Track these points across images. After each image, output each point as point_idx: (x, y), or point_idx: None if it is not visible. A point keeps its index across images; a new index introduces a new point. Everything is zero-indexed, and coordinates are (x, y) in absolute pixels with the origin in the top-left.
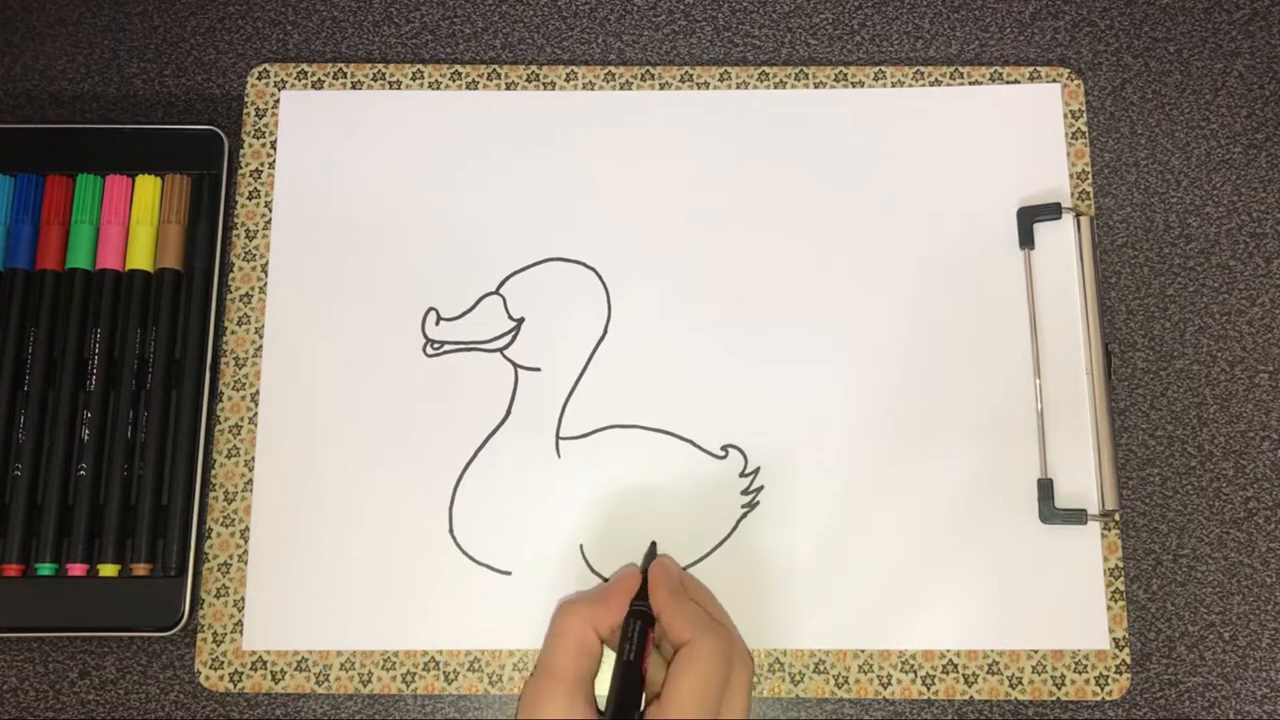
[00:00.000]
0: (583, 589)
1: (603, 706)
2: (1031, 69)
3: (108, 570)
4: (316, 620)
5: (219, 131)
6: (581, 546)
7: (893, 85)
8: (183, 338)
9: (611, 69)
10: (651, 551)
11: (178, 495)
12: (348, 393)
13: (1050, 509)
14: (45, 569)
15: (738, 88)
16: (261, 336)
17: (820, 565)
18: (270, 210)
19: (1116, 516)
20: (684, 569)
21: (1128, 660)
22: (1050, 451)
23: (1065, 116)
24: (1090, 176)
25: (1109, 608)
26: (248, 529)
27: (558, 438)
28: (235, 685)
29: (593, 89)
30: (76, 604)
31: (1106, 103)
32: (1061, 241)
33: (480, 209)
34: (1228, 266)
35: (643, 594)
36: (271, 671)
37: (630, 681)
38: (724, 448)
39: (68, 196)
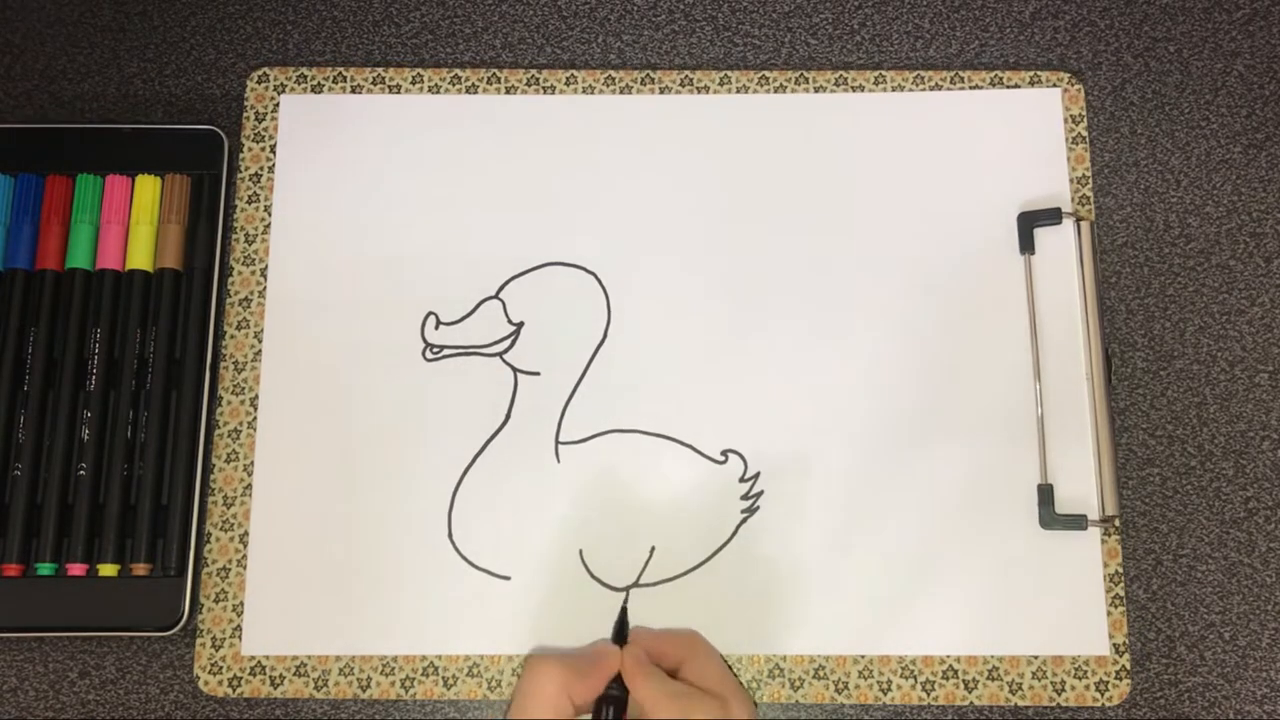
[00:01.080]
0: (581, 594)
1: None
2: (1032, 73)
3: (108, 570)
4: (315, 625)
5: (219, 131)
6: (581, 551)
7: (893, 89)
8: (182, 337)
9: (611, 73)
10: (622, 618)
11: (177, 495)
12: (347, 397)
13: (1050, 514)
14: (45, 569)
15: (738, 92)
16: (261, 341)
17: (820, 570)
18: (269, 214)
19: (1117, 522)
20: (662, 630)
21: (1127, 666)
22: (1050, 457)
23: (1065, 121)
24: (1090, 181)
25: (1109, 613)
26: (247, 534)
27: (557, 442)
28: (234, 690)
29: (592, 93)
30: (76, 604)
31: (1106, 103)
32: (1062, 246)
33: (480, 213)
34: (1228, 266)
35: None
36: (270, 676)
37: None
38: (724, 453)
39: (68, 196)
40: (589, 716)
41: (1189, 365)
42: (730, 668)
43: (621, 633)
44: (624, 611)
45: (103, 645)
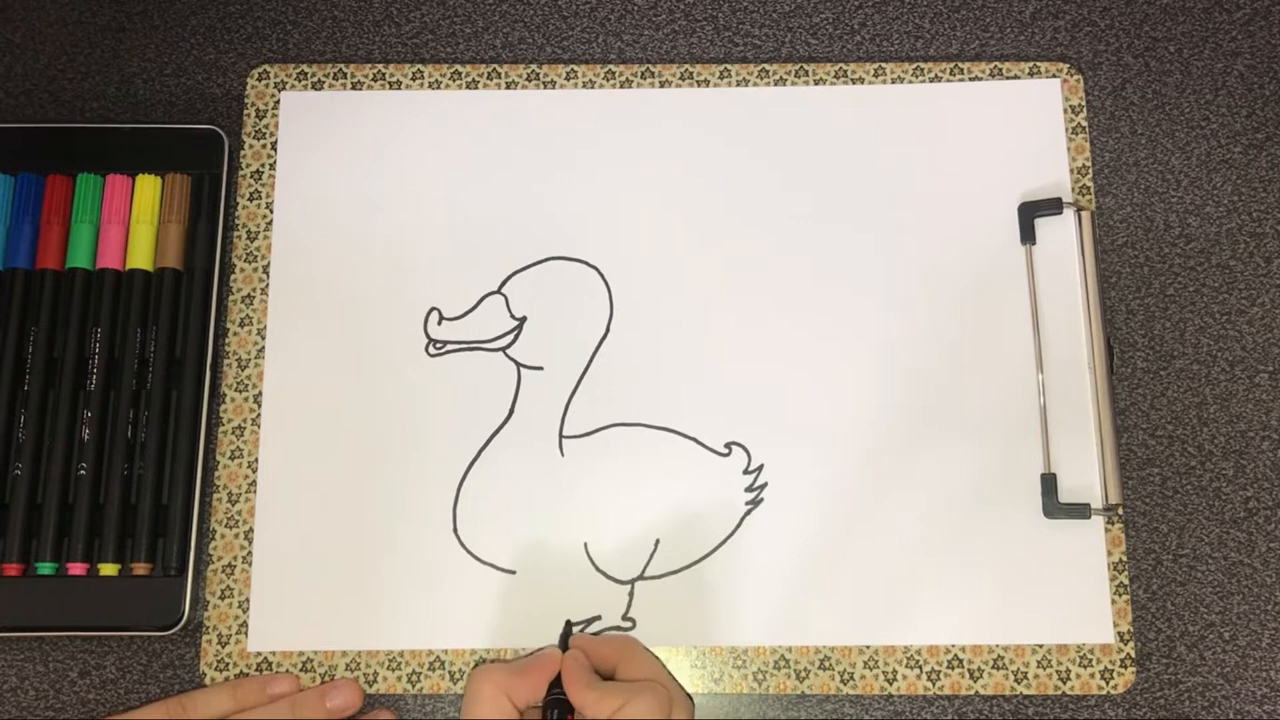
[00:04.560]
0: (586, 588)
1: None
2: (1031, 64)
3: (108, 570)
4: (321, 621)
5: (219, 131)
6: (585, 545)
7: (893, 82)
8: (183, 337)
9: (611, 67)
10: (566, 631)
11: (178, 495)
12: (350, 393)
13: (1054, 503)
14: (45, 568)
15: (738, 85)
16: (264, 338)
17: (824, 561)
18: (271, 211)
19: (1120, 510)
20: (598, 635)
21: (1133, 654)
22: (1053, 446)
23: (1065, 111)
24: (1091, 171)
25: (1113, 601)
26: (251, 530)
27: (561, 436)
28: None
29: (593, 87)
30: (76, 604)
31: (1107, 102)
32: (1063, 236)
33: (481, 208)
34: (1228, 266)
35: (560, 679)
36: (276, 673)
37: None
38: (727, 445)
39: (68, 196)
40: None
41: (1189, 365)
42: (665, 667)
43: (565, 645)
44: (568, 624)
45: (103, 645)
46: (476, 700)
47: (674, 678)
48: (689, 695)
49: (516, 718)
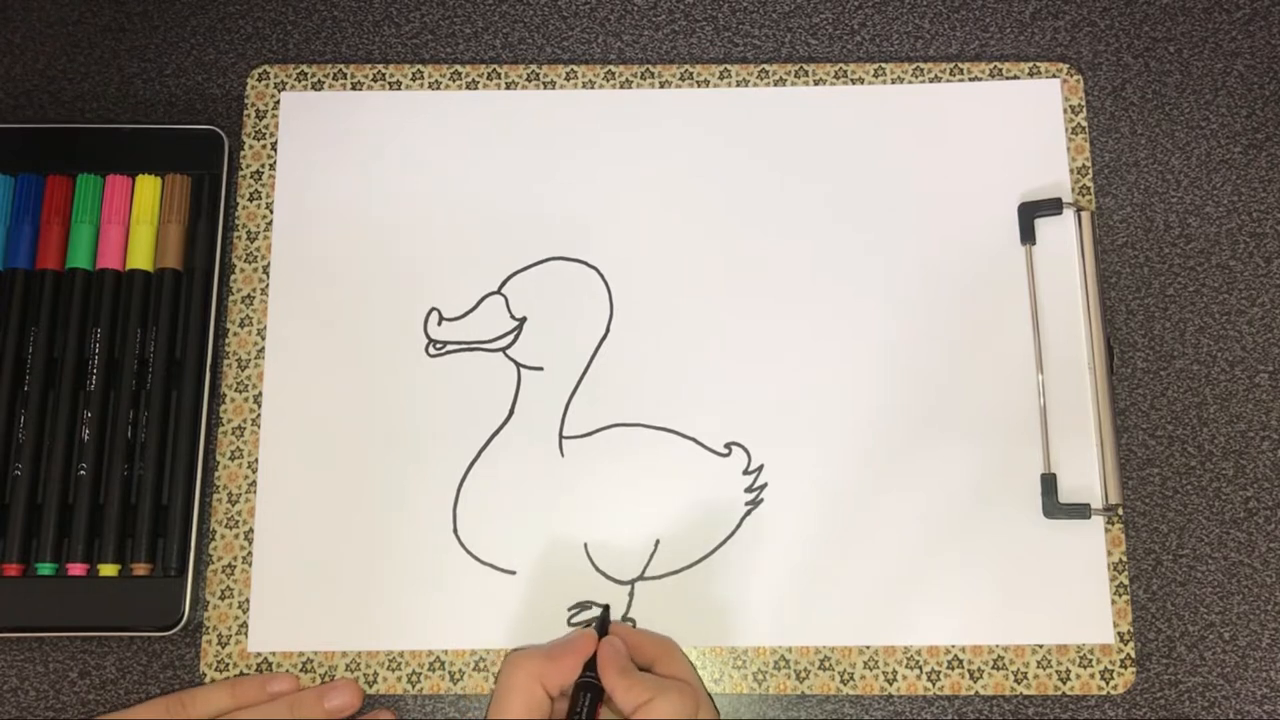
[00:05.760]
0: (586, 588)
1: None
2: (1031, 65)
3: (108, 570)
4: (321, 621)
5: (219, 131)
6: (586, 545)
7: (893, 82)
8: (183, 337)
9: (611, 68)
10: (605, 616)
11: (178, 495)
12: (350, 394)
13: (1054, 504)
14: (45, 569)
15: (738, 85)
16: (264, 338)
17: (824, 562)
18: (271, 212)
19: (1120, 510)
20: (639, 629)
21: (1133, 654)
22: (1053, 446)
23: (1065, 112)
24: (1090, 171)
25: (1113, 602)
26: (251, 530)
27: (561, 437)
28: None
29: (593, 88)
30: (76, 604)
31: (1106, 103)
32: (1063, 236)
33: (481, 208)
34: (1228, 266)
35: (595, 661)
36: (276, 672)
37: None
38: (727, 445)
39: (68, 196)
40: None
41: (1189, 365)
42: (698, 674)
43: (604, 629)
44: (606, 609)
45: (103, 645)
46: (509, 689)
47: (704, 686)
48: (716, 707)
49: (548, 707)
